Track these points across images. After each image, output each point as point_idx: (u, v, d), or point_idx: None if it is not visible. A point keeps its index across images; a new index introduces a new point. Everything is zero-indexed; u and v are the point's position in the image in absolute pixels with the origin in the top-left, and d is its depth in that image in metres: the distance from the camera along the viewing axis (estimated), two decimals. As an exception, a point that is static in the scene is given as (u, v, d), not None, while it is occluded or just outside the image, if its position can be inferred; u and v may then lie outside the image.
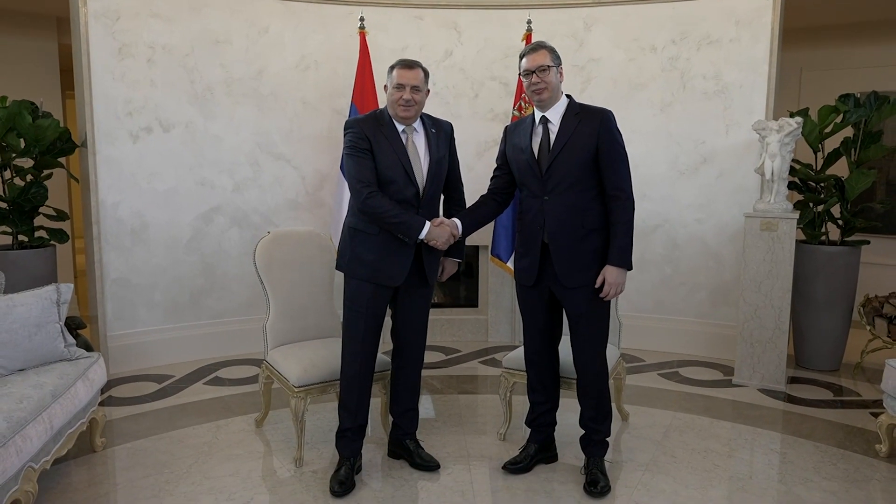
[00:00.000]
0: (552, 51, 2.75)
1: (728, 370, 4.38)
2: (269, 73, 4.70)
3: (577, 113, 2.74)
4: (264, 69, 4.69)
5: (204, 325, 4.67)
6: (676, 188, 4.79)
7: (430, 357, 4.69)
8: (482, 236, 5.03)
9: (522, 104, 4.56)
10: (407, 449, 3.07)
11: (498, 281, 5.11)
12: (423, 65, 2.87)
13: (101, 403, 3.28)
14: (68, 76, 5.06)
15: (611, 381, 3.33)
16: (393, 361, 3.10)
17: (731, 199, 4.64)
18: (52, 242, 4.29)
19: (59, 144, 4.18)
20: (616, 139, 2.72)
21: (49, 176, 4.26)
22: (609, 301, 2.80)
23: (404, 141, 2.84)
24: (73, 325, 3.82)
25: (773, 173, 4.06)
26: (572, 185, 2.71)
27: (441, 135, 2.95)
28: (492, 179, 3.05)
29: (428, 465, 3.02)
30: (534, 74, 2.72)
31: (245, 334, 4.67)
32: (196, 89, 4.52)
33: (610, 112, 2.74)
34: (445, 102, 4.96)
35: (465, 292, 5.48)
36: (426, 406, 3.81)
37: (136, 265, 4.44)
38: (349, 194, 3.43)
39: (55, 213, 4.32)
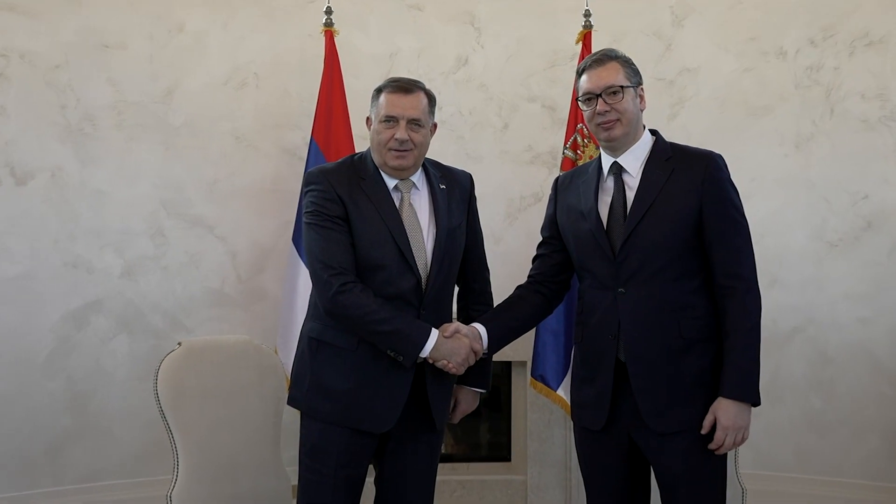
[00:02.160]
0: (627, 63, 2.80)
1: (923, 565, 4.27)
2: (183, 92, 4.78)
3: (669, 158, 2.78)
4: (176, 87, 4.77)
5: (69, 492, 4.56)
6: (825, 269, 4.78)
7: None
8: (517, 348, 4.91)
9: (579, 140, 4.55)
10: None
11: (543, 418, 5.01)
12: (426, 86, 2.93)
13: None
14: None
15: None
16: None
17: (913, 285, 4.64)
18: None
19: None
20: (731, 199, 2.74)
21: None
22: (724, 455, 2.75)
23: (398, 203, 2.88)
24: None
25: (979, 246, 4.06)
26: (661, 271, 2.71)
27: (455, 192, 3.00)
28: (534, 260, 3.08)
29: None
30: (600, 100, 2.76)
31: (135, 507, 4.58)
32: (69, 119, 4.58)
33: (719, 157, 2.77)
34: (458, 137, 5.01)
35: (489, 436, 5.39)
36: None
37: (-35, 396, 4.41)
38: (310, 283, 3.45)
39: None
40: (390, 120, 2.82)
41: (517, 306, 3.01)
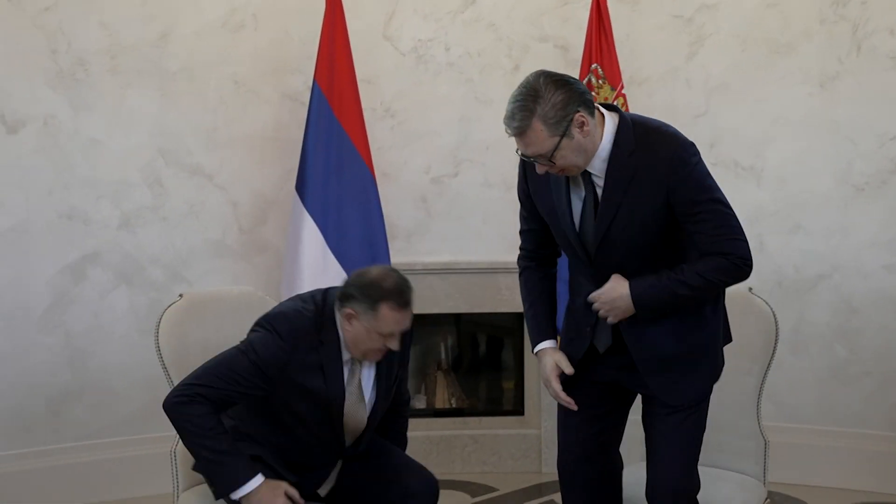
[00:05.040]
0: (550, 112, 2.50)
1: (952, 519, 4.31)
2: (178, 36, 4.77)
3: (632, 153, 2.61)
4: (171, 31, 4.75)
5: (69, 450, 4.64)
6: (851, 215, 4.77)
7: (447, 499, 4.58)
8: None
9: (594, 81, 4.62)
10: None
11: (557, 371, 5.03)
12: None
13: None
14: None
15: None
16: None
17: (942, 230, 4.63)
18: None
19: None
20: (700, 188, 2.61)
21: None
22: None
23: (347, 376, 2.96)
24: None
25: None
26: (638, 272, 2.68)
27: (395, 355, 3.04)
28: (522, 235, 3.05)
29: None
30: (536, 164, 2.63)
31: (137, 465, 4.63)
32: (61, 64, 4.57)
33: (682, 151, 2.61)
34: (467, 80, 5.02)
35: (502, 390, 5.44)
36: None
37: (-40, 352, 4.47)
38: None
39: None
40: (391, 336, 2.87)
41: (541, 299, 3.01)
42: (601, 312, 2.70)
